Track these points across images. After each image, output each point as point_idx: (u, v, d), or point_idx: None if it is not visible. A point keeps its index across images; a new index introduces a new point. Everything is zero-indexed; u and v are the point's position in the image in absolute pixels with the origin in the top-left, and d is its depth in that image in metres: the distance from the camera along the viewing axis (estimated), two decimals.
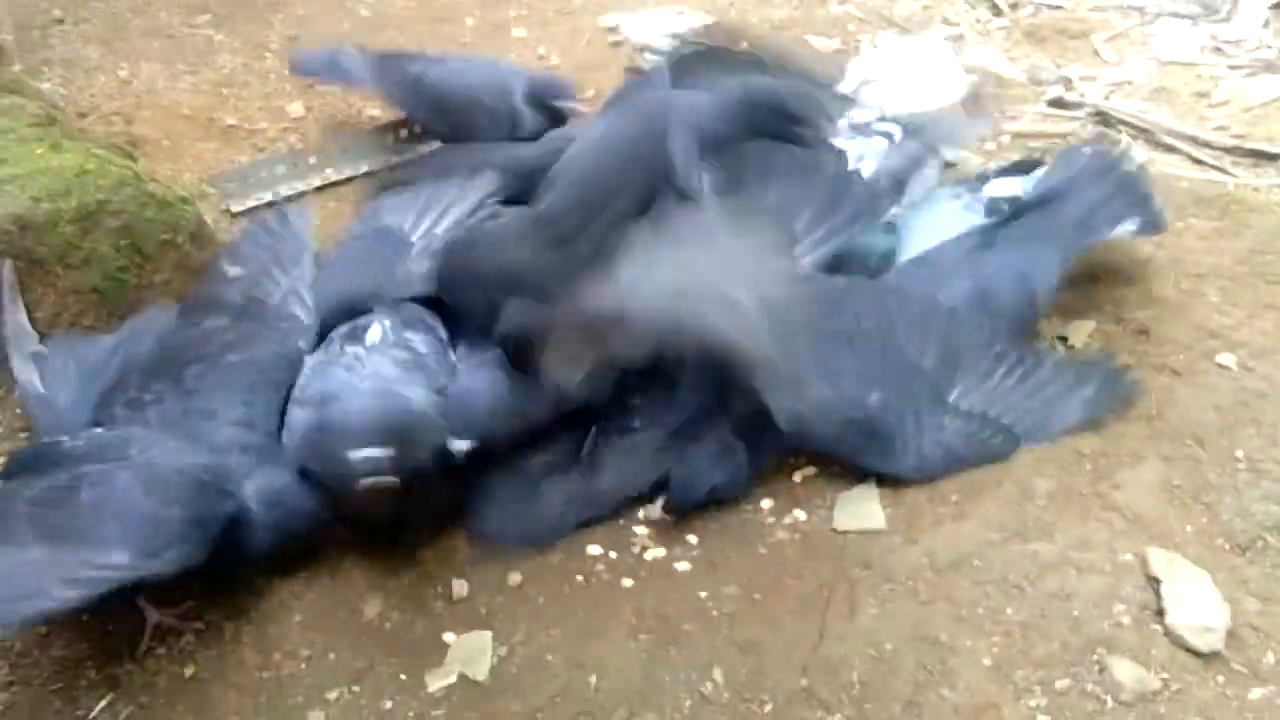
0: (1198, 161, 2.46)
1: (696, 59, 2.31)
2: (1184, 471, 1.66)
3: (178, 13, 3.02)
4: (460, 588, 1.57)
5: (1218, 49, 2.98)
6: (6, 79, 2.26)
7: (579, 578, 1.58)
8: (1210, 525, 1.60)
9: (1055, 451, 1.71)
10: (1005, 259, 1.89)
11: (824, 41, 3.03)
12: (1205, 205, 2.28)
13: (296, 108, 2.68)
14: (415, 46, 2.94)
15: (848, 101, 2.23)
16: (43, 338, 1.77)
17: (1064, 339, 1.98)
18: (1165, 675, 1.40)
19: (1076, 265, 2.11)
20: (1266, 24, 3.06)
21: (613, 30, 3.07)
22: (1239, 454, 1.68)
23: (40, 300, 1.79)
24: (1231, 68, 2.88)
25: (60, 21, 2.94)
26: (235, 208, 2.30)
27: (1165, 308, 2.02)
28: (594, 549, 1.62)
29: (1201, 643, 1.42)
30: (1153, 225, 2.01)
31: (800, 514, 1.66)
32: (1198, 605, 1.45)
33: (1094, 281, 2.10)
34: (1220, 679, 1.40)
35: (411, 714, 1.41)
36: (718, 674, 1.43)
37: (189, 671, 1.46)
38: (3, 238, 1.75)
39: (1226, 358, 1.87)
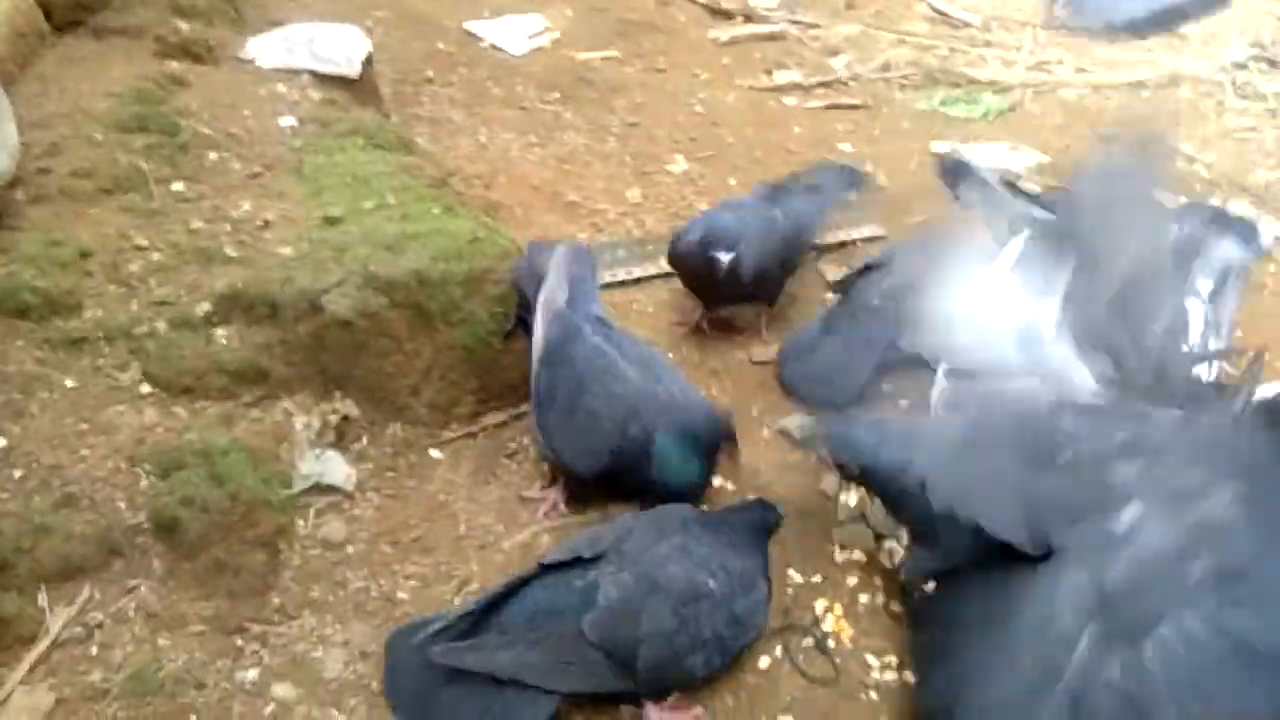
0: None
1: None
2: None
3: (532, 87, 3.24)
4: None
5: None
6: (403, 135, 2.46)
7: None
8: None
9: None
10: None
11: (1169, 197, 2.89)
12: None
13: (634, 193, 2.79)
14: (744, 148, 3.04)
15: None
16: None
17: None
18: None
19: None
20: None
21: (941, 157, 3.05)
22: None
23: (420, 350, 1.92)
24: None
25: (430, 81, 3.21)
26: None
27: None
28: None
29: None
30: None
31: None
32: None
33: None
34: None
35: None
36: None
37: None
38: (400, 289, 1.88)
39: None
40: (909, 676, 1.59)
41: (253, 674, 1.48)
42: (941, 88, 3.46)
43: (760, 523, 1.67)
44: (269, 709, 1.45)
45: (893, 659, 1.62)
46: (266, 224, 2.01)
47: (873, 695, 1.58)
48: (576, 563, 1.51)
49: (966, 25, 3.99)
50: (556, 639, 1.44)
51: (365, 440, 1.87)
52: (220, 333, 1.82)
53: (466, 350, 1.96)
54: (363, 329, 1.85)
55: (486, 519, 1.79)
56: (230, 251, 1.92)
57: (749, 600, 1.54)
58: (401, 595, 1.64)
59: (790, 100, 3.38)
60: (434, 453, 1.89)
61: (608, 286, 2.43)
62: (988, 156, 3.04)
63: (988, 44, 3.83)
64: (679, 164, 2.95)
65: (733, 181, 2.89)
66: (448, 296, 1.93)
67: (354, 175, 2.19)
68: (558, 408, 1.77)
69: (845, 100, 3.38)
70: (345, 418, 1.84)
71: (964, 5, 4.15)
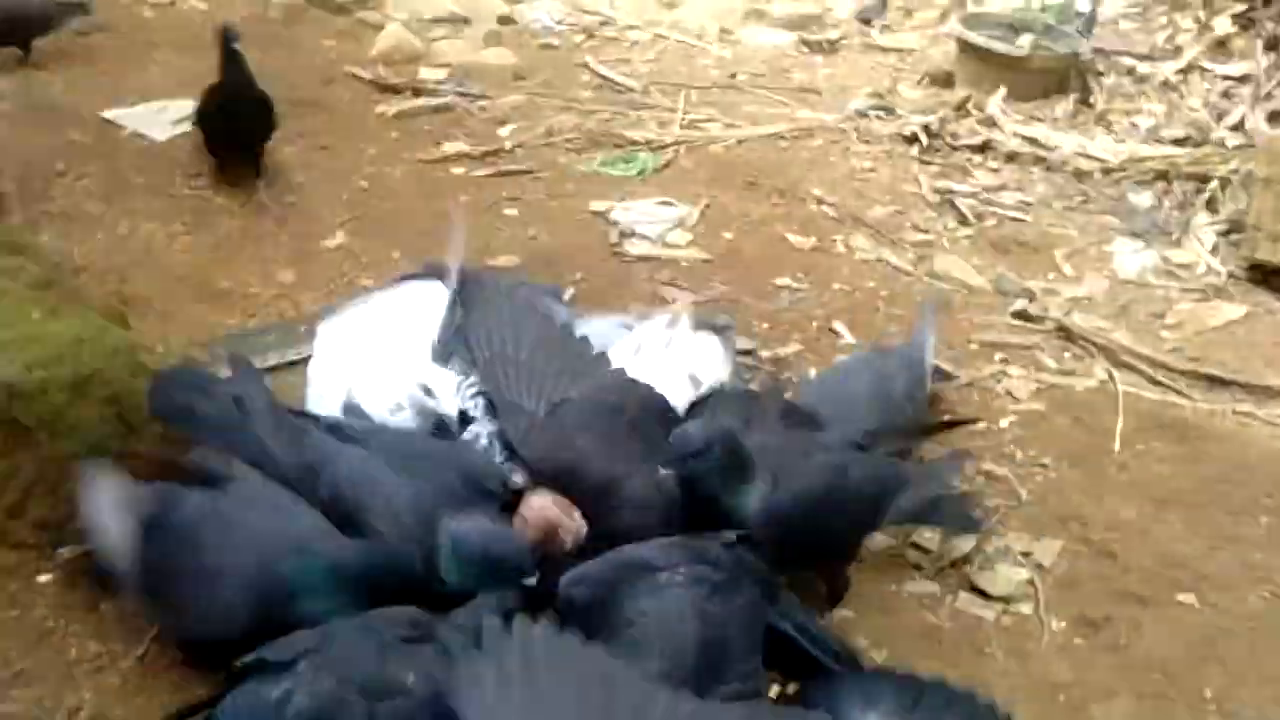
0: (1156, 382, 2.58)
1: None
2: (1155, 710, 1.67)
3: (179, 173, 3.11)
4: None
5: (1170, 271, 3.18)
6: (10, 236, 2.29)
7: None
8: None
9: (1027, 680, 1.72)
10: None
11: (800, 239, 3.18)
12: (1165, 429, 2.39)
13: (288, 275, 2.74)
14: (408, 220, 3.06)
15: None
16: None
17: (1028, 555, 2.03)
18: None
19: (1044, 482, 2.20)
20: (1215, 249, 3.27)
21: (601, 215, 3.21)
22: (1207, 693, 1.71)
23: (19, 466, 1.77)
24: (1184, 290, 3.06)
25: (62, 174, 3.01)
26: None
27: (1130, 531, 2.08)
28: None
29: None
30: None
31: None
32: None
33: (1060, 499, 2.17)
34: None
35: None
36: None
37: None
38: None
39: (1188, 597, 1.91)
40: None
41: None
42: (602, 150, 3.65)
43: None
44: None
45: None
46: None
47: None
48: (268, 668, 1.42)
49: (628, 90, 4.24)
50: None
51: None
52: None
53: (78, 459, 1.83)
54: None
55: (106, 638, 1.67)
56: None
57: None
58: None
59: (458, 170, 3.44)
60: (42, 578, 1.75)
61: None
62: (642, 212, 3.23)
63: (647, 106, 4.08)
64: (339, 239, 2.93)
65: (396, 254, 2.90)
66: (48, 405, 1.80)
67: None
68: None
69: (511, 167, 3.48)
70: None
71: (625, 71, 4.40)
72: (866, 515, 1.85)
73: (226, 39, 2.95)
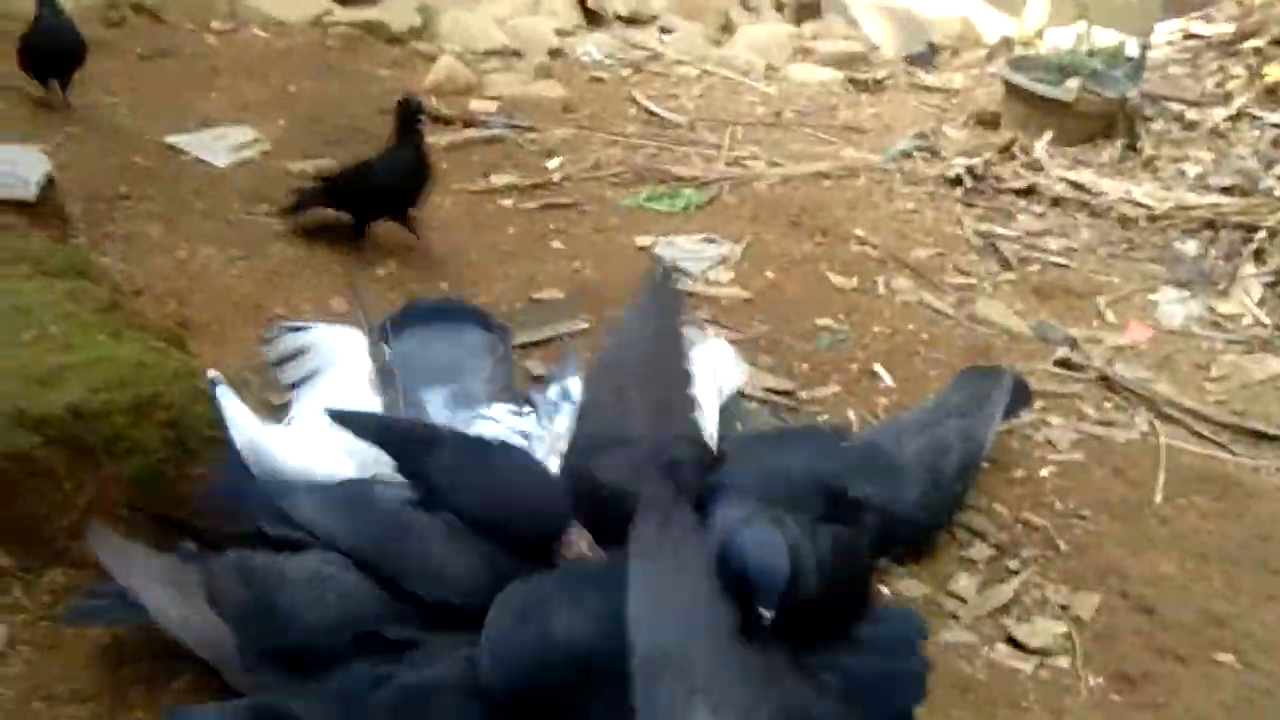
0: (1199, 435, 2.57)
1: None
2: None
3: (237, 200, 3.20)
4: None
5: (1215, 322, 3.16)
6: (76, 259, 2.38)
7: None
8: None
9: None
10: None
11: (842, 279, 3.20)
12: (1207, 483, 2.37)
13: (339, 302, 2.80)
14: (457, 250, 3.13)
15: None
16: None
17: (1066, 607, 2.02)
18: None
19: (1084, 534, 2.19)
20: (1262, 301, 3.25)
21: (646, 250, 3.25)
22: None
23: (81, 486, 1.83)
24: (1229, 342, 3.04)
25: (125, 198, 3.11)
26: (275, 401, 2.37)
27: (1170, 587, 2.07)
28: None
29: None
30: None
31: None
32: None
33: (1099, 551, 2.16)
34: None
35: None
36: None
37: None
38: (56, 425, 1.81)
39: (1228, 656, 1.90)
40: None
41: None
42: (648, 184, 3.70)
43: None
44: None
45: None
46: None
47: None
48: None
49: (675, 125, 4.30)
50: None
51: (19, 591, 1.76)
52: None
53: (137, 481, 1.89)
54: (10, 471, 1.75)
55: (159, 657, 1.72)
56: None
57: None
58: None
59: (506, 202, 3.51)
60: None
61: None
62: (685, 248, 3.27)
63: (692, 142, 4.13)
64: (389, 269, 3.00)
65: (444, 285, 2.96)
66: (111, 427, 1.86)
67: (14, 306, 2.08)
68: None
69: (559, 200, 3.54)
70: None
71: (672, 106, 4.47)
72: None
73: (409, 111, 2.92)
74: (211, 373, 1.98)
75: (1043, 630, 1.95)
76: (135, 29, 4.36)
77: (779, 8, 6.65)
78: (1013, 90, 4.37)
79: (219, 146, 3.43)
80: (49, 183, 2.65)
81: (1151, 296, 3.27)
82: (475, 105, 4.19)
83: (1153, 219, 3.68)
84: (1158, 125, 4.34)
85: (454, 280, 2.98)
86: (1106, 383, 2.76)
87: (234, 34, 4.53)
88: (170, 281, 2.74)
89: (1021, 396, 2.42)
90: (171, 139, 3.44)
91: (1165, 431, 2.57)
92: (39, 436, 1.79)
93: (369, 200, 3.03)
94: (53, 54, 3.37)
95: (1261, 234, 3.46)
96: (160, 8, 4.52)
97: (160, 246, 2.89)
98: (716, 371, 2.28)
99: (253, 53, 4.31)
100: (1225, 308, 3.22)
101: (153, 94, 3.78)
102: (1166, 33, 5.81)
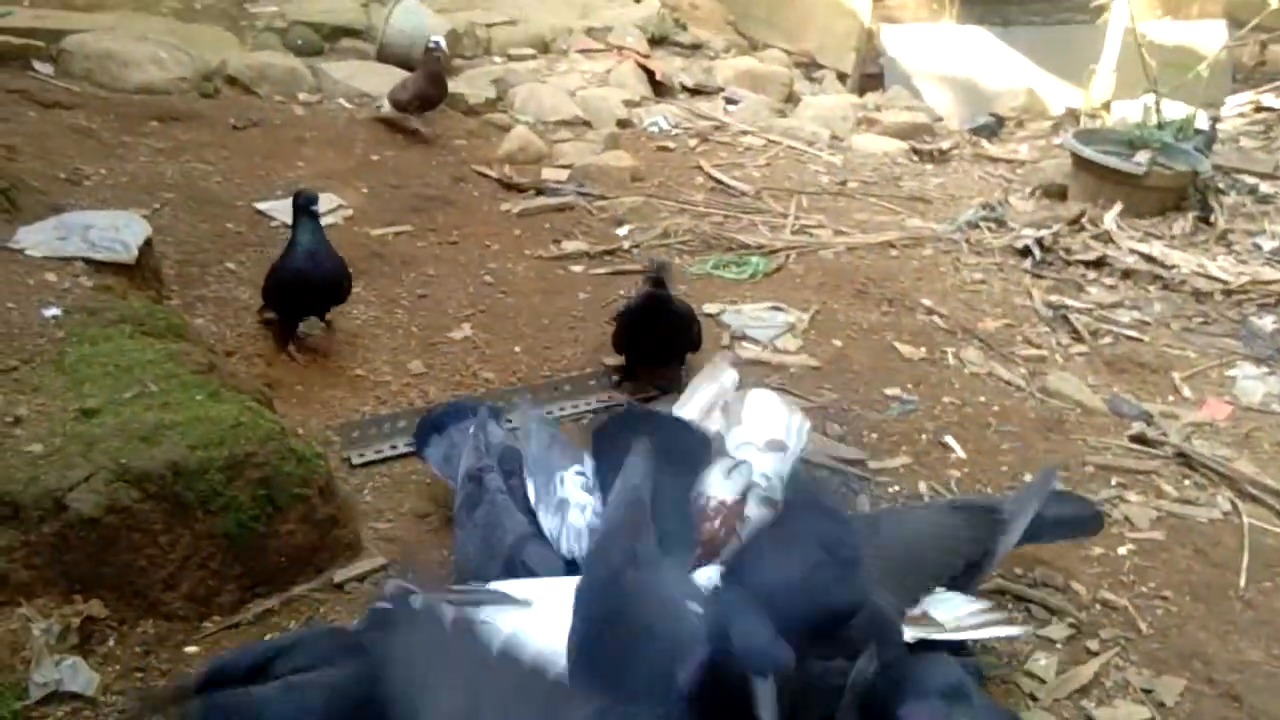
0: None
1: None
2: None
3: None
4: None
5: None
6: (173, 320, 2.48)
7: None
8: None
9: None
10: None
11: (910, 349, 3.21)
12: None
13: (417, 364, 2.88)
14: (529, 315, 3.20)
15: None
16: None
17: (1149, 692, 1.97)
18: None
19: (1165, 615, 2.14)
20: None
21: (713, 318, 3.30)
22: None
23: (176, 541, 1.90)
24: None
25: (218, 261, 3.24)
26: (356, 459, 2.44)
27: (1256, 674, 2.01)
28: None
29: None
30: None
31: None
32: None
33: (1181, 634, 2.11)
34: None
35: None
36: None
37: None
38: (156, 481, 1.89)
39: None
40: None
41: None
42: (715, 252, 3.76)
43: None
44: None
45: None
46: (17, 420, 1.98)
47: None
48: None
49: (741, 194, 4.37)
50: None
51: (113, 641, 1.82)
52: None
53: (228, 537, 1.96)
54: (111, 525, 1.83)
55: None
56: None
57: None
58: None
59: (577, 268, 3.59)
60: (190, 649, 1.86)
61: (387, 460, 2.49)
62: (753, 316, 3.31)
63: (759, 211, 4.20)
64: (464, 332, 3.08)
65: (518, 349, 3.04)
66: (207, 484, 1.94)
67: (117, 364, 2.19)
68: None
69: (628, 266, 3.61)
70: (90, 618, 1.80)
71: (738, 175, 4.55)
72: None
73: (657, 273, 2.80)
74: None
75: (1125, 715, 1.91)
76: (228, 100, 4.58)
77: (842, 79, 6.76)
78: (1081, 163, 4.37)
79: None
80: (147, 246, 2.78)
81: (1229, 372, 3.22)
82: (547, 173, 4.31)
83: (1228, 293, 3.64)
84: (1230, 198, 4.31)
85: (527, 343, 3.05)
86: (1185, 460, 2.71)
87: (319, 105, 4.74)
88: (258, 343, 2.85)
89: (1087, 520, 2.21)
90: (260, 205, 3.59)
91: (1247, 511, 2.51)
92: (139, 491, 1.87)
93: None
94: (308, 288, 2.82)
95: None
96: (252, 81, 4.75)
97: (249, 308, 3.00)
98: (764, 426, 2.24)
99: (337, 123, 4.49)
100: None
101: (244, 162, 3.95)
102: (1237, 105, 5.81)
